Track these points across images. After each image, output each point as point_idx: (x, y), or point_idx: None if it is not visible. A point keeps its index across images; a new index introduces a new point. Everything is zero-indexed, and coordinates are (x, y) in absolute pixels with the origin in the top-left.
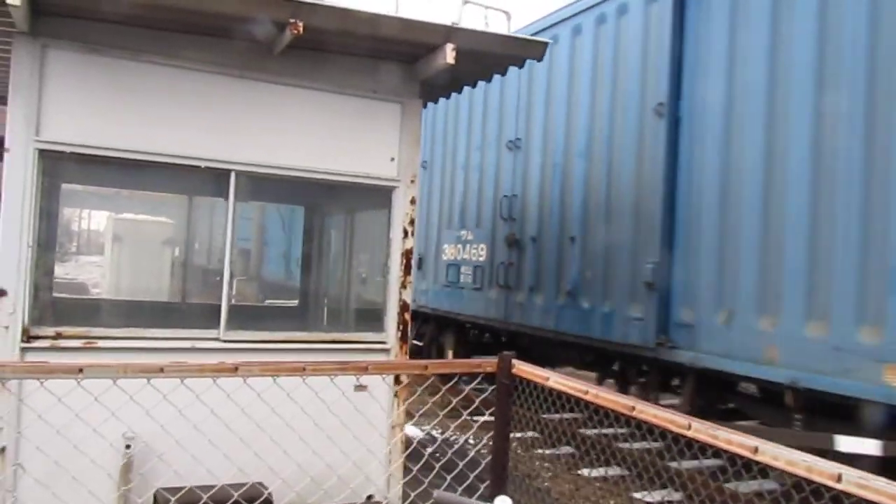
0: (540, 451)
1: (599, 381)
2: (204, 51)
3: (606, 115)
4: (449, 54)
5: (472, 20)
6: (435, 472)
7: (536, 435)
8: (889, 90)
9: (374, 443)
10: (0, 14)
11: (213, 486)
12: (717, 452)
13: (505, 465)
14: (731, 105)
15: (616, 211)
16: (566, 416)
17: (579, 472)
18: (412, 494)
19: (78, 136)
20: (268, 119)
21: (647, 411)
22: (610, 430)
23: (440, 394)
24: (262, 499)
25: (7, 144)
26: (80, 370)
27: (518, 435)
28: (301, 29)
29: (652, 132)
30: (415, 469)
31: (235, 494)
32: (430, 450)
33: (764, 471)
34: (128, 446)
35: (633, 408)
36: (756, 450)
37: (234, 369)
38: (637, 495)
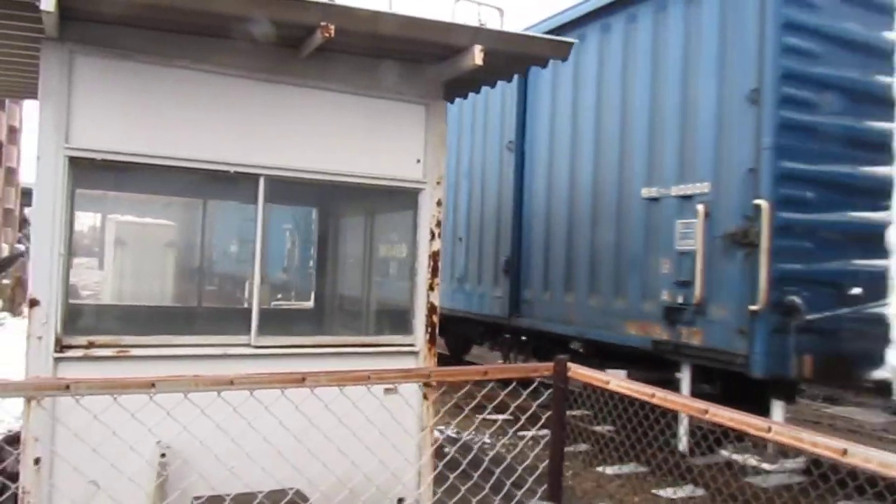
0: None
1: (490, 350)
2: (231, 54)
3: (480, 148)
4: (477, 55)
5: (465, 17)
6: (451, 467)
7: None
8: (632, 142)
9: (404, 445)
10: (28, 20)
11: (249, 494)
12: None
13: (561, 468)
14: (552, 143)
15: (486, 218)
16: (576, 412)
17: (599, 469)
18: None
19: (107, 143)
20: (294, 122)
21: (722, 414)
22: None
23: (496, 402)
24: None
25: (38, 152)
26: (153, 384)
27: (531, 433)
28: (332, 32)
29: (507, 162)
30: (477, 472)
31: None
32: (448, 449)
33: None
34: (163, 455)
35: (707, 411)
36: (845, 452)
37: (301, 379)
38: (661, 493)
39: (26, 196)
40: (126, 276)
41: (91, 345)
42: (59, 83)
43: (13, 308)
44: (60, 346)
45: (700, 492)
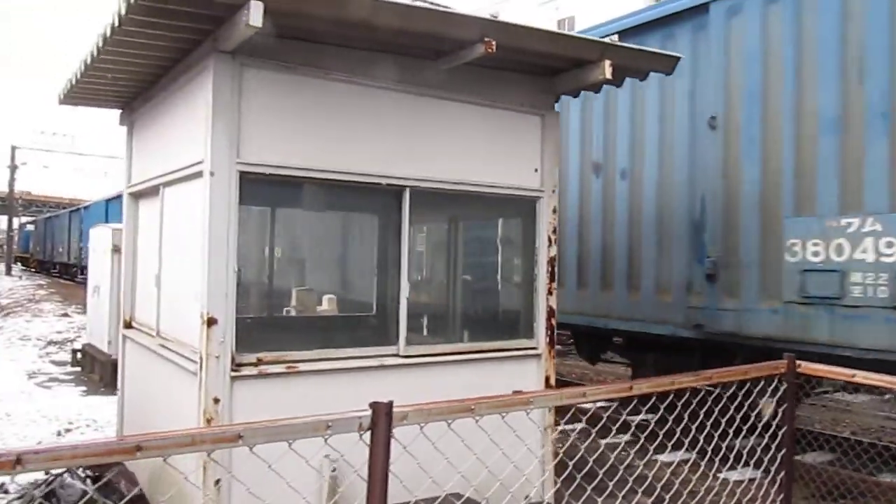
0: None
1: None
2: (380, 67)
3: None
4: (607, 70)
5: None
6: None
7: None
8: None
9: (530, 446)
10: (188, 31)
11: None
12: None
13: (792, 459)
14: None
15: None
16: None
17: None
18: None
19: (275, 158)
20: (433, 134)
21: None
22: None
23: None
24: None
25: (211, 168)
26: (472, 408)
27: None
28: (494, 47)
29: None
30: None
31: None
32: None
33: None
34: (334, 469)
35: None
36: None
37: (629, 388)
38: None
39: None
40: (278, 289)
41: (260, 361)
42: (231, 97)
43: None
44: (235, 365)
45: None
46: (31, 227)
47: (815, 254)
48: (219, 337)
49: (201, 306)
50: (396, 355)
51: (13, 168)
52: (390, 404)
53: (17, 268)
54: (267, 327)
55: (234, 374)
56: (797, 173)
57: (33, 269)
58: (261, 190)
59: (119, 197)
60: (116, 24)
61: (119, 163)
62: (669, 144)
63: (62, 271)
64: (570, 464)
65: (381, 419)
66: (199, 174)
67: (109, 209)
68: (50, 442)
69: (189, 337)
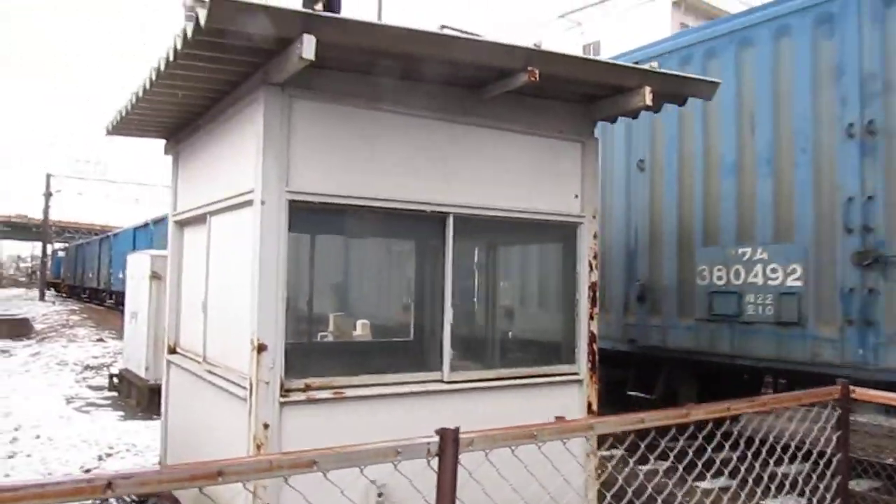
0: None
1: None
2: (424, 97)
3: None
4: (647, 96)
5: None
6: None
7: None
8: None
9: (571, 471)
10: (234, 63)
11: None
12: None
13: (847, 486)
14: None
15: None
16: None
17: None
18: None
19: (322, 186)
20: (475, 161)
21: None
22: None
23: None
24: None
25: (262, 197)
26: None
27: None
28: (537, 76)
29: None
30: None
31: None
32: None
33: None
34: (380, 494)
35: None
36: None
37: (685, 414)
38: None
39: None
40: (320, 315)
41: (307, 387)
42: (281, 129)
43: None
44: (284, 391)
45: None
46: (62, 254)
47: (720, 278)
48: (268, 363)
49: (251, 332)
50: (441, 381)
51: (48, 196)
52: (457, 430)
53: (49, 293)
54: (312, 353)
55: (283, 399)
56: (705, 209)
57: (64, 295)
58: (308, 218)
59: (146, 225)
60: (171, 58)
61: (150, 190)
62: (610, 182)
63: (91, 296)
64: (630, 490)
65: (449, 445)
66: (248, 203)
67: (137, 236)
68: (92, 466)
69: (238, 363)
